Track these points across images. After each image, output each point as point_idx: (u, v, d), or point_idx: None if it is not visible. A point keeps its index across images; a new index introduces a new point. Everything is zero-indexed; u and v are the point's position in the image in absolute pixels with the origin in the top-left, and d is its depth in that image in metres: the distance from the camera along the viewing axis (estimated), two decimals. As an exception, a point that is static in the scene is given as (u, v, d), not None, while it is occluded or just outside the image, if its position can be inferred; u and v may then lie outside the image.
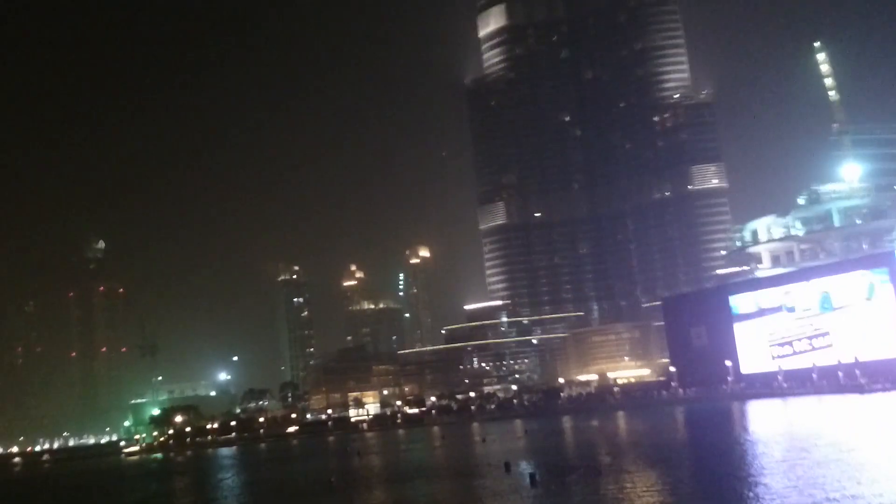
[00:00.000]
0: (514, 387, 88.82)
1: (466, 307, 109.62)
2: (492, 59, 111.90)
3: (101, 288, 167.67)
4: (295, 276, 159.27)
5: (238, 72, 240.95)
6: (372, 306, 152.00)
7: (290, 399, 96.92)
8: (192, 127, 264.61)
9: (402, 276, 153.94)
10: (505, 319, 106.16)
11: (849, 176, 64.49)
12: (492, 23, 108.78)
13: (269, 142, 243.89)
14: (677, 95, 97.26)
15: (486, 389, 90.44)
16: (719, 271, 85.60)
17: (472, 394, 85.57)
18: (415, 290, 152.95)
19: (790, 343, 44.14)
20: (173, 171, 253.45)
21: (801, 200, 65.62)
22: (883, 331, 41.38)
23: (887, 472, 13.30)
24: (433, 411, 79.03)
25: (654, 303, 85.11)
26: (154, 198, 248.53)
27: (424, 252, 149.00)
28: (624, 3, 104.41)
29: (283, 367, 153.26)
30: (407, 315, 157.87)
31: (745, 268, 72.57)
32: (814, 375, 41.59)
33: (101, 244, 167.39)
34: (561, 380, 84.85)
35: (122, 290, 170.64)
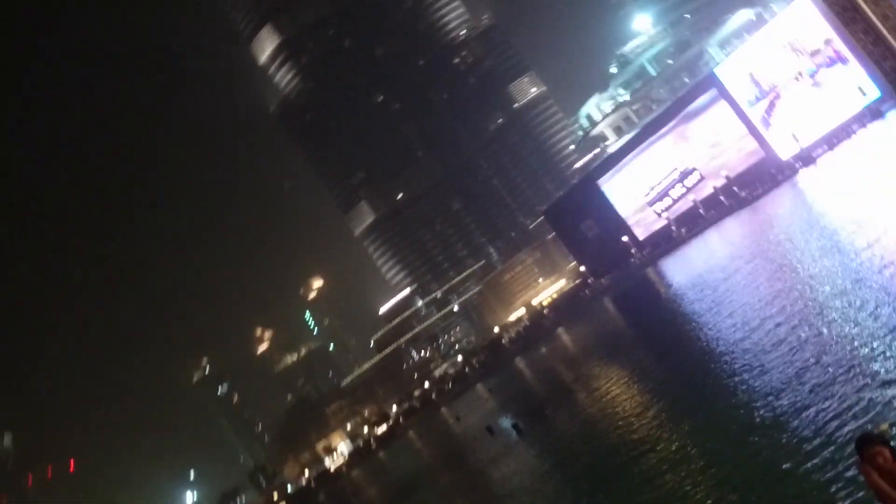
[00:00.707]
0: (459, 357, 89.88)
1: (381, 311, 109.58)
2: (283, 78, 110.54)
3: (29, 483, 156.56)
4: (208, 369, 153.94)
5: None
6: (295, 356, 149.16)
7: (263, 483, 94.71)
8: None
9: (308, 314, 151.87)
10: (420, 303, 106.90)
11: (643, 26, 67.97)
12: (266, 46, 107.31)
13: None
14: (464, 32, 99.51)
15: (437, 373, 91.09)
16: (577, 165, 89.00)
17: (425, 384, 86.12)
18: (327, 321, 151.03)
19: (667, 195, 46.60)
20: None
21: (613, 69, 68.88)
22: (735, 143, 44.27)
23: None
24: (400, 419, 79.08)
25: (538, 219, 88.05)
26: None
27: (318, 282, 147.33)
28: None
29: (241, 459, 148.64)
30: (331, 347, 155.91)
31: (597, 150, 75.82)
32: (700, 210, 44.14)
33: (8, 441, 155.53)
34: (496, 329, 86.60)
35: (48, 473, 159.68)
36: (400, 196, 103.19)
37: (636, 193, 48.48)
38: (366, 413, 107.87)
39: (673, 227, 45.69)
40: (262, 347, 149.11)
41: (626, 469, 8.73)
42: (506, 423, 21.58)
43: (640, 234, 48.95)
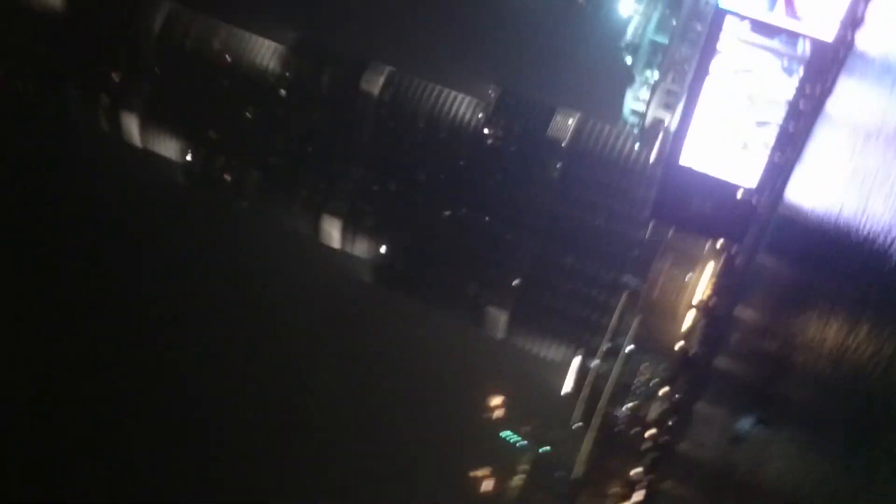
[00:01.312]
0: (662, 390, 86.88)
1: (564, 391, 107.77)
2: (362, 248, 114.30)
3: None
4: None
5: None
6: (517, 479, 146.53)
7: None
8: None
9: (504, 433, 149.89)
10: (595, 362, 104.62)
11: (629, 8, 68.30)
12: (334, 234, 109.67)
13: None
14: (480, 114, 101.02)
15: (652, 416, 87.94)
16: (651, 159, 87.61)
17: (649, 432, 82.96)
18: (525, 429, 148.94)
19: (749, 129, 45.19)
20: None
21: (627, 60, 68.66)
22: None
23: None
24: (650, 476, 75.92)
25: (649, 226, 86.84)
26: None
27: (496, 400, 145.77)
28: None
29: None
30: (542, 449, 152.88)
31: (661, 135, 74.72)
32: (789, 129, 42.49)
33: None
34: (677, 346, 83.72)
35: None
36: (516, 282, 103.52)
37: (720, 148, 47.22)
38: (614, 489, 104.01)
39: (776, 155, 43.98)
40: (486, 487, 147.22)
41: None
42: (745, 424, 20.45)
43: (751, 181, 47.30)
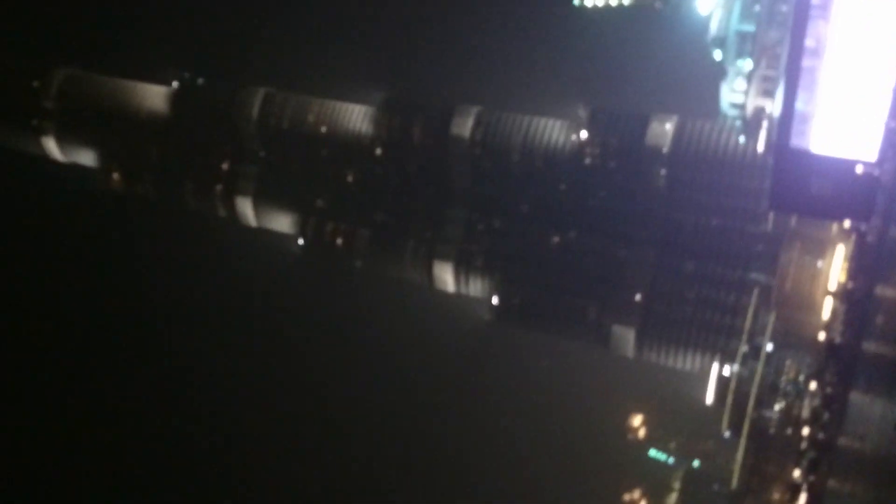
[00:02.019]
0: (812, 385, 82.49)
1: (708, 400, 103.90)
2: (477, 289, 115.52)
3: None
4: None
5: None
6: (673, 497, 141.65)
7: None
8: None
9: (651, 451, 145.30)
10: (735, 366, 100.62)
11: (708, 4, 67.05)
12: (447, 278, 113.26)
13: None
14: (574, 136, 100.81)
15: (805, 414, 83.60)
16: (759, 149, 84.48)
17: (804, 430, 78.78)
18: (672, 444, 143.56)
19: (860, 98, 43.11)
20: None
21: (716, 55, 67.19)
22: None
23: None
24: (810, 478, 71.89)
25: (769, 218, 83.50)
26: None
27: (636, 419, 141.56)
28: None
29: None
30: (696, 463, 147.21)
31: (765, 123, 72.24)
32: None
33: None
34: (820, 337, 79.46)
35: None
36: (639, 297, 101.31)
37: (831, 124, 45.38)
38: (776, 495, 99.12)
39: (893, 122, 41.81)
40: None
41: None
42: None
43: (870, 154, 45.07)
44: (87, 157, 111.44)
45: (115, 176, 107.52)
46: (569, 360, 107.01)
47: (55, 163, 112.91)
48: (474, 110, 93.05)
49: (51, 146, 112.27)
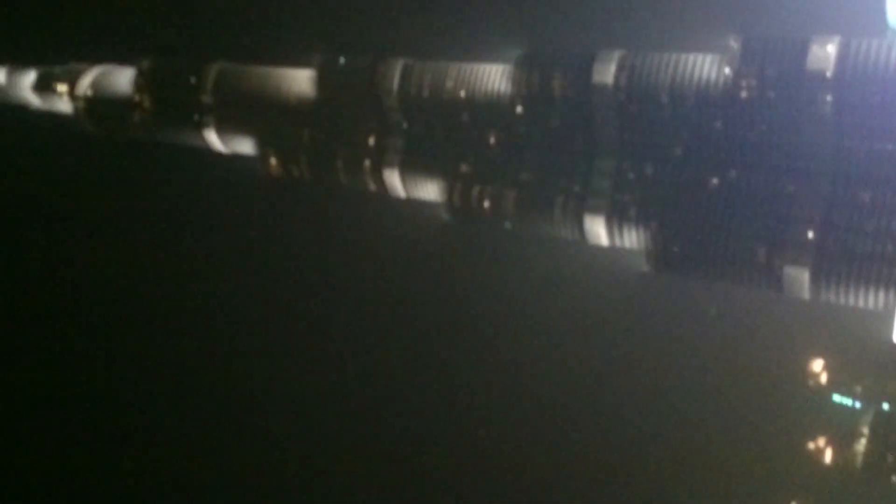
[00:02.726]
0: None
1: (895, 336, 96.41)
2: (632, 239, 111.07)
3: None
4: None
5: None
6: (862, 443, 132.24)
7: None
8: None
9: (833, 396, 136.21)
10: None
11: None
12: (600, 231, 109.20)
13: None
14: (727, 69, 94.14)
15: None
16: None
17: None
18: (858, 388, 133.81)
19: None
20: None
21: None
22: None
23: None
24: None
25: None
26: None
27: (817, 364, 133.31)
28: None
29: None
30: (885, 406, 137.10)
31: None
32: None
33: None
34: None
35: None
36: (811, 235, 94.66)
37: None
38: None
39: None
40: (828, 457, 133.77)
41: None
42: None
43: None
44: (246, 146, 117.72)
45: (273, 161, 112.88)
46: (738, 306, 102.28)
47: (219, 154, 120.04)
48: (616, 55, 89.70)
49: (213, 139, 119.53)
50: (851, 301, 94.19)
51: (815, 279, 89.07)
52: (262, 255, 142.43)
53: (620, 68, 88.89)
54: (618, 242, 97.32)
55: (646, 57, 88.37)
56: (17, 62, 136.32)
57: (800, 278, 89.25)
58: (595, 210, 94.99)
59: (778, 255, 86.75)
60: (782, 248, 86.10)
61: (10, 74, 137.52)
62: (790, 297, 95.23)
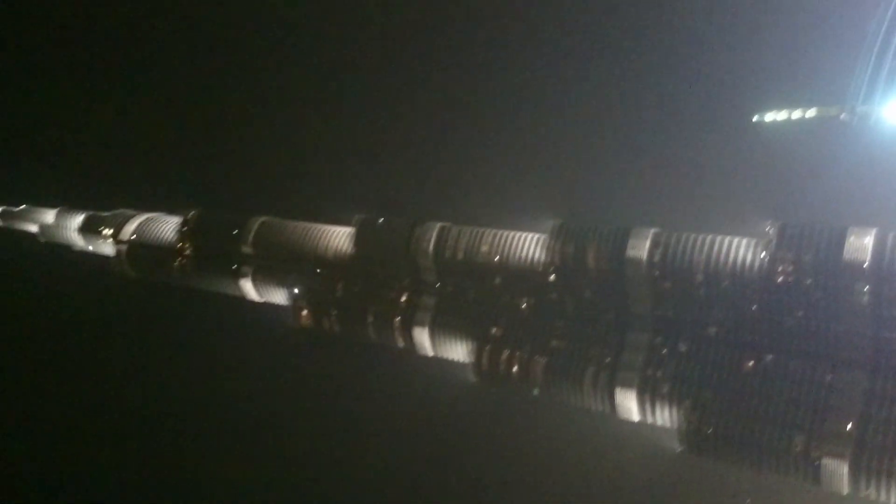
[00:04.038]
0: None
1: None
2: (664, 418, 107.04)
3: None
4: None
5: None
6: None
7: None
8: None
9: None
10: None
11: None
12: (631, 406, 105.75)
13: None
14: (763, 254, 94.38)
15: None
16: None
17: None
18: None
19: None
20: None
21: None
22: None
23: None
24: None
25: None
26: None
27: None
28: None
29: None
30: None
31: None
32: None
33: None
34: None
35: None
36: (850, 425, 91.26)
37: None
38: None
39: None
40: None
41: None
42: None
43: None
44: (278, 297, 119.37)
45: (304, 312, 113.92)
46: (775, 496, 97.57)
47: (251, 303, 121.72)
48: (650, 232, 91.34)
49: (248, 287, 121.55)
50: (893, 498, 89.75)
51: (854, 473, 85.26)
52: (285, 402, 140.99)
53: (655, 245, 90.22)
54: (649, 418, 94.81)
55: (681, 236, 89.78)
56: (68, 205, 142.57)
57: (838, 471, 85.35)
58: (626, 384, 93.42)
59: (815, 446, 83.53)
60: (820, 438, 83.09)
61: (59, 216, 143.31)
62: (828, 491, 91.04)
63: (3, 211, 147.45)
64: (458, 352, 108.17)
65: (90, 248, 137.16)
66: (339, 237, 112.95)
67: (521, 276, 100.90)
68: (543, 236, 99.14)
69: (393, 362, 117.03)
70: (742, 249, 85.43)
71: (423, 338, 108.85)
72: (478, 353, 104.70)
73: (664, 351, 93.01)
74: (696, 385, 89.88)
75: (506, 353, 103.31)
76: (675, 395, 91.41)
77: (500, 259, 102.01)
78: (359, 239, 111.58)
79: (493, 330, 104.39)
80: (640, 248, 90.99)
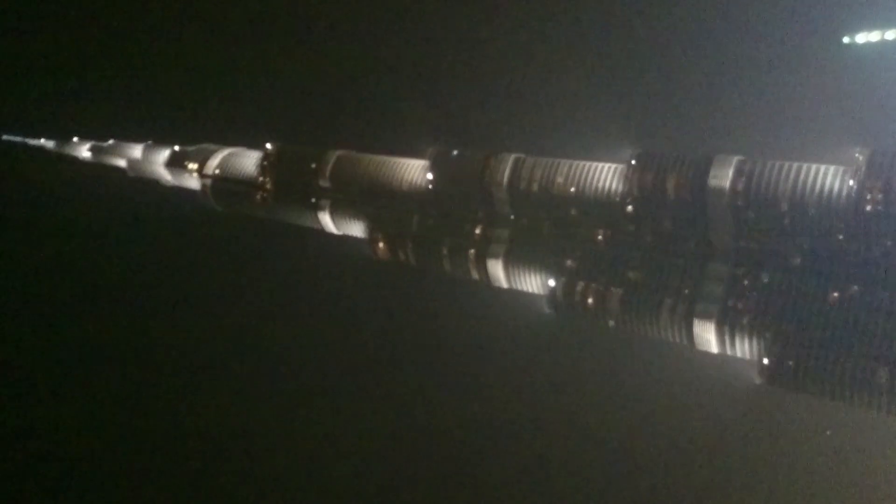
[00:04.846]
0: None
1: None
2: (744, 349, 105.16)
3: None
4: None
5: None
6: None
7: None
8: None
9: None
10: None
11: None
12: (710, 337, 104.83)
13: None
14: (852, 182, 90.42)
15: None
16: None
17: None
18: None
19: None
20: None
21: None
22: None
23: None
24: None
25: None
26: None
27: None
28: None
29: None
30: None
31: None
32: None
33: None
34: None
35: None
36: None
37: None
38: None
39: None
40: None
41: None
42: None
43: None
44: (356, 229, 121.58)
45: (381, 245, 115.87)
46: (854, 428, 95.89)
47: (329, 235, 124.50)
48: (734, 159, 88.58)
49: (326, 220, 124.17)
50: None
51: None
52: (361, 333, 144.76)
53: (738, 173, 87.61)
54: (728, 351, 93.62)
55: (765, 163, 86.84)
56: (154, 140, 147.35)
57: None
58: (705, 315, 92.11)
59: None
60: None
61: (146, 150, 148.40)
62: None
63: (93, 146, 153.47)
64: (533, 284, 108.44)
65: (176, 182, 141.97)
66: (414, 170, 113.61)
67: (598, 207, 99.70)
68: (621, 166, 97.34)
69: (468, 294, 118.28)
70: (829, 178, 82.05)
71: (497, 270, 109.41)
72: (554, 284, 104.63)
73: (745, 282, 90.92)
74: (778, 317, 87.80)
75: (581, 285, 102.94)
76: (756, 327, 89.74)
77: (575, 190, 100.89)
78: (433, 171, 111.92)
79: (568, 262, 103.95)
80: (723, 176, 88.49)
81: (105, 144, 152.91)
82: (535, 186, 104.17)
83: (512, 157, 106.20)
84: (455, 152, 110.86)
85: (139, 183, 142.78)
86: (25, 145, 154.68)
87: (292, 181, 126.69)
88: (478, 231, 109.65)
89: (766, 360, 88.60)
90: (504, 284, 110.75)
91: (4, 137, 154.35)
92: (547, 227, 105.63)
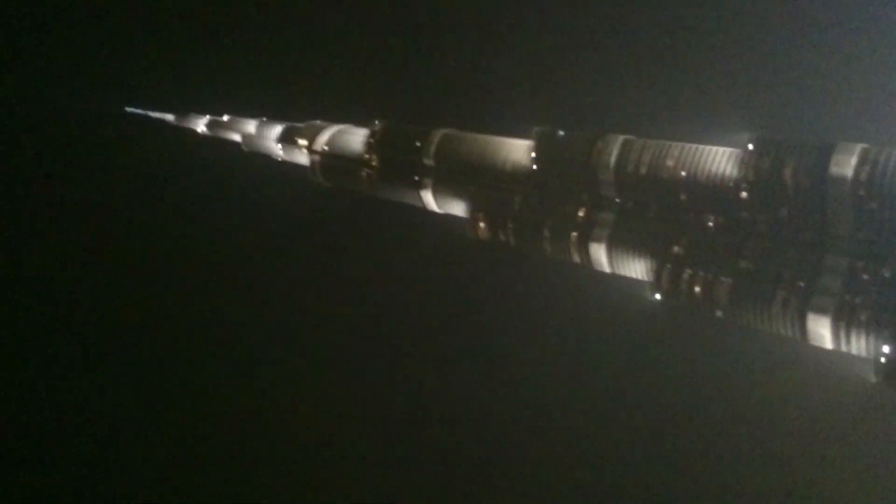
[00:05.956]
0: None
1: None
2: (860, 345, 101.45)
3: None
4: None
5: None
6: None
7: None
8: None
9: None
10: None
11: None
12: (824, 333, 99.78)
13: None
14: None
15: None
16: None
17: None
18: None
19: None
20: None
21: None
22: None
23: None
24: None
25: None
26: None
27: None
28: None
29: None
30: None
31: None
32: None
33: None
34: None
35: None
36: None
37: None
38: None
39: None
40: None
41: None
42: None
43: None
44: (458, 208, 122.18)
45: (482, 224, 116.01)
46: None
47: (430, 213, 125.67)
48: (858, 147, 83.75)
49: (428, 198, 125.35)
50: None
51: None
52: (460, 312, 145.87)
53: (862, 162, 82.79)
54: (843, 347, 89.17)
55: (891, 152, 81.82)
56: (267, 117, 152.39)
57: None
58: (821, 310, 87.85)
59: None
60: None
61: (259, 126, 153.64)
62: None
63: (210, 121, 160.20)
64: (637, 269, 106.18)
65: (287, 157, 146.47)
66: (519, 150, 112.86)
67: (710, 192, 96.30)
68: (736, 150, 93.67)
69: (568, 277, 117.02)
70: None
71: (599, 254, 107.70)
72: (658, 272, 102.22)
73: (865, 276, 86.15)
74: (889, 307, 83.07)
75: (688, 273, 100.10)
76: (875, 324, 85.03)
77: (686, 174, 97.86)
78: (538, 152, 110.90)
79: (676, 248, 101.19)
80: (846, 164, 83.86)
81: (222, 119, 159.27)
82: (643, 169, 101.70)
83: (620, 139, 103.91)
84: (561, 133, 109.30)
85: (254, 157, 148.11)
86: (147, 117, 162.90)
87: (397, 159, 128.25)
88: (581, 213, 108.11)
89: (883, 359, 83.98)
90: (606, 269, 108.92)
91: (128, 109, 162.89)
92: (654, 212, 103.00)
